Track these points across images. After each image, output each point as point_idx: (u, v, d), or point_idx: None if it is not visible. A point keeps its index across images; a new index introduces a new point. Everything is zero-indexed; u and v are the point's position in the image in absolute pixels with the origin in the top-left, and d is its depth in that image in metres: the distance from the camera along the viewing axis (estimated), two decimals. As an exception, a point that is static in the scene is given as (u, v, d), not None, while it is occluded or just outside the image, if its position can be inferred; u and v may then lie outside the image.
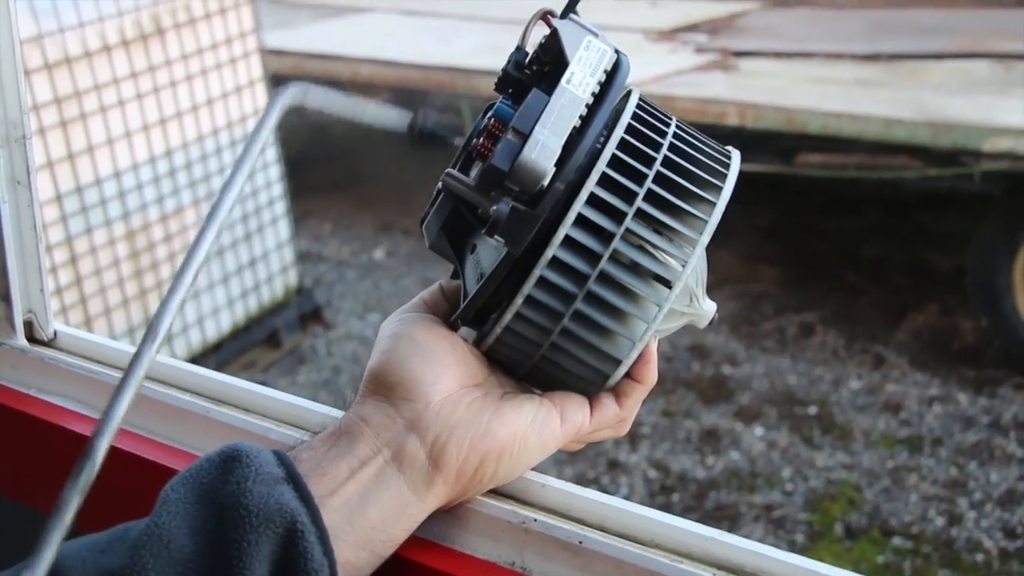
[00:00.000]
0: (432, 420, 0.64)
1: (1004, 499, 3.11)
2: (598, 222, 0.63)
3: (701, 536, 0.65)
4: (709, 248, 0.65)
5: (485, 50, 4.93)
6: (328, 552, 0.59)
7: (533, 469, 0.69)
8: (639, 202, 0.64)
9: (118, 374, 0.88)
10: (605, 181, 0.63)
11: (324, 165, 5.48)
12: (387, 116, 0.68)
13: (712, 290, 0.70)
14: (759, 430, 3.49)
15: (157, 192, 3.53)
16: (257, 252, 3.97)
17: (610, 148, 0.64)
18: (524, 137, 0.62)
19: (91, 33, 3.25)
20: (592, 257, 0.64)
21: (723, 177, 0.67)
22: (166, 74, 3.51)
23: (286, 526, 0.58)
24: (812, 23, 5.61)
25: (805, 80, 4.51)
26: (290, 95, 0.64)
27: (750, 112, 4.14)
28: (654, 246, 0.65)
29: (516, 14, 5.39)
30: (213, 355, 3.73)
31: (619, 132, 0.64)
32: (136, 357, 0.56)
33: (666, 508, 3.09)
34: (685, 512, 3.10)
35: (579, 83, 0.63)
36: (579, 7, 0.68)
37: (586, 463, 3.32)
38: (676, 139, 0.66)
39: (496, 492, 0.70)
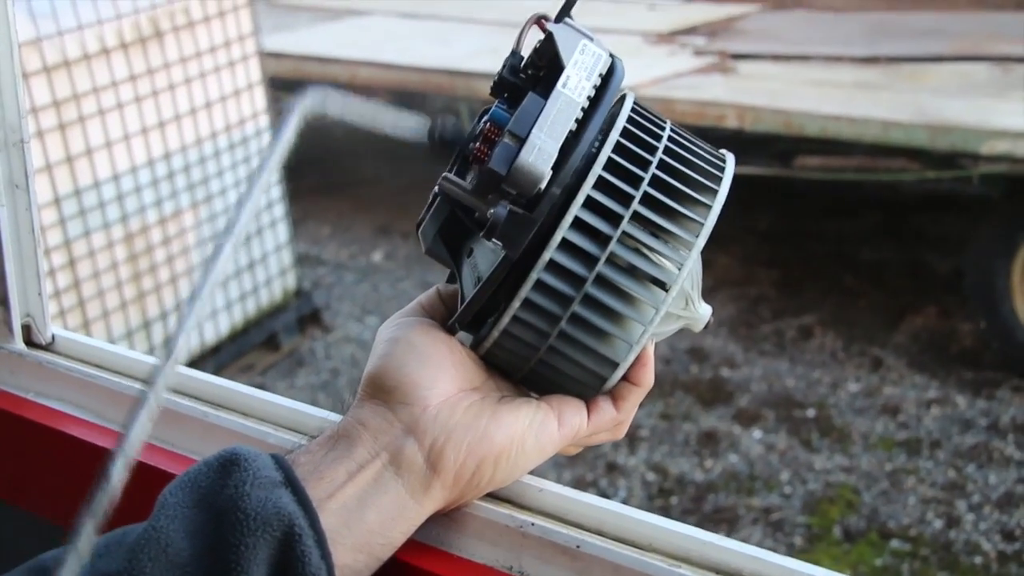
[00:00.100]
0: (430, 424, 0.65)
1: (1002, 501, 3.11)
2: (595, 225, 0.64)
3: (699, 540, 0.65)
4: (707, 251, 0.66)
5: (484, 53, 4.93)
6: (326, 556, 0.59)
7: (531, 472, 0.69)
8: (635, 205, 0.64)
9: (116, 378, 0.88)
10: (601, 184, 0.64)
11: (322, 168, 5.48)
12: (406, 124, 0.68)
13: (710, 293, 0.70)
14: (757, 433, 3.49)
15: (156, 195, 3.53)
16: (256, 255, 3.97)
17: (606, 152, 0.64)
18: (521, 141, 0.62)
19: (90, 36, 3.25)
20: (589, 260, 0.64)
21: (718, 180, 0.67)
22: (165, 77, 3.51)
23: (284, 530, 0.58)
24: (811, 26, 5.62)
25: (804, 83, 4.51)
26: (309, 102, 0.64)
27: (749, 115, 4.14)
28: (650, 249, 0.65)
29: (515, 17, 5.38)
30: (212, 358, 3.72)
31: (615, 136, 0.64)
32: (155, 374, 0.57)
33: (664, 511, 3.09)
34: (683, 515, 3.10)
35: (575, 87, 0.63)
36: (578, 9, 0.68)
37: (585, 466, 3.32)
38: (671, 142, 0.67)
39: (494, 496, 0.70)
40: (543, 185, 0.62)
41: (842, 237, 4.87)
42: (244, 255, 3.88)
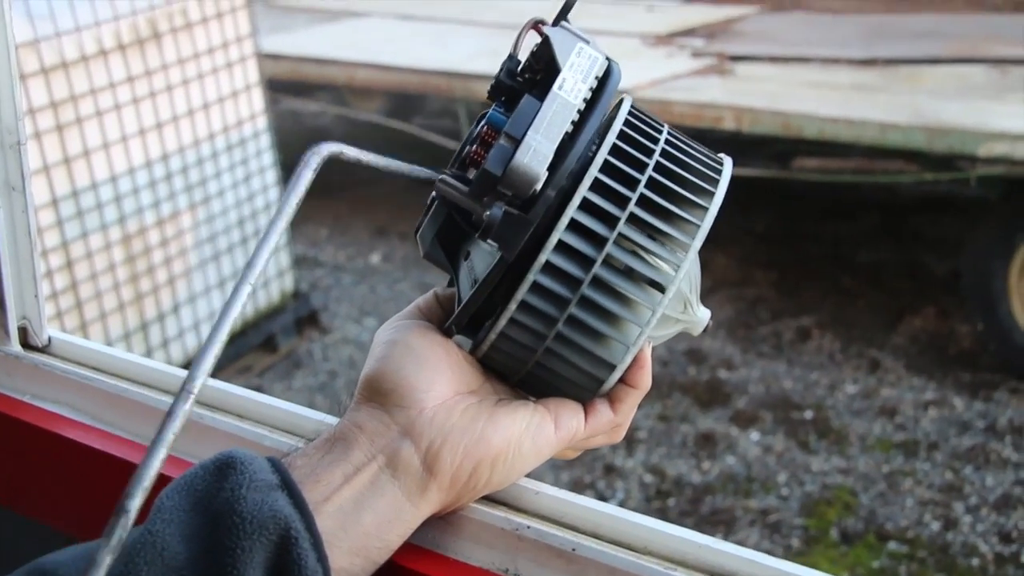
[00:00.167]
0: (426, 426, 0.65)
1: (1000, 503, 3.11)
2: (591, 227, 0.64)
3: (695, 543, 0.65)
4: (705, 253, 0.66)
5: (482, 54, 4.94)
6: (322, 559, 0.59)
7: (529, 474, 0.69)
8: (632, 207, 0.64)
9: (112, 380, 0.88)
10: (598, 186, 0.64)
11: (319, 169, 5.48)
12: (418, 172, 0.69)
13: (708, 294, 0.70)
14: (755, 435, 3.49)
15: (153, 196, 3.53)
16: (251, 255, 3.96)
17: (603, 153, 0.64)
18: (517, 142, 0.62)
19: (88, 38, 3.25)
20: (585, 262, 0.64)
21: (715, 183, 0.67)
22: (163, 78, 3.51)
23: (280, 533, 0.58)
24: (809, 28, 5.62)
25: (802, 85, 4.52)
26: (320, 155, 0.65)
27: (746, 116, 4.14)
28: (647, 251, 0.65)
29: (513, 19, 5.39)
30: (209, 359, 3.72)
31: (611, 138, 0.64)
32: (185, 387, 0.57)
33: (662, 513, 3.09)
34: (681, 517, 3.10)
35: (571, 89, 0.64)
36: (576, 11, 0.68)
37: (583, 468, 3.32)
38: (668, 145, 0.67)
39: (490, 499, 0.70)
40: (539, 186, 0.62)
41: (840, 239, 4.87)
42: (242, 257, 3.88)
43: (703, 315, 0.70)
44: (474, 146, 0.65)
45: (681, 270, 0.65)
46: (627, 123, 0.66)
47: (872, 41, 5.11)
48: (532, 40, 0.67)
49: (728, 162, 0.69)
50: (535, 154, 0.62)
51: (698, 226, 0.65)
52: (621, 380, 0.68)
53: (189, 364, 0.61)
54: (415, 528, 0.65)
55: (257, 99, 3.93)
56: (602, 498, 3.13)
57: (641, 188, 0.64)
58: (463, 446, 0.64)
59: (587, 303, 0.64)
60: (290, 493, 0.60)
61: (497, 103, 0.67)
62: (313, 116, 6.39)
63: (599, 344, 0.66)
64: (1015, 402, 3.59)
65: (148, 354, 3.52)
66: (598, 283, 0.64)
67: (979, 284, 3.81)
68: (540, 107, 0.63)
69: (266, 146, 3.99)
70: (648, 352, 0.68)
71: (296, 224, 4.54)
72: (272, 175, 4.01)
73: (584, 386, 0.68)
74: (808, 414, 3.59)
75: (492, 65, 0.68)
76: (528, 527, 0.68)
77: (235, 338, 3.88)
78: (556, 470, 3.29)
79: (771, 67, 4.79)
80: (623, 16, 5.75)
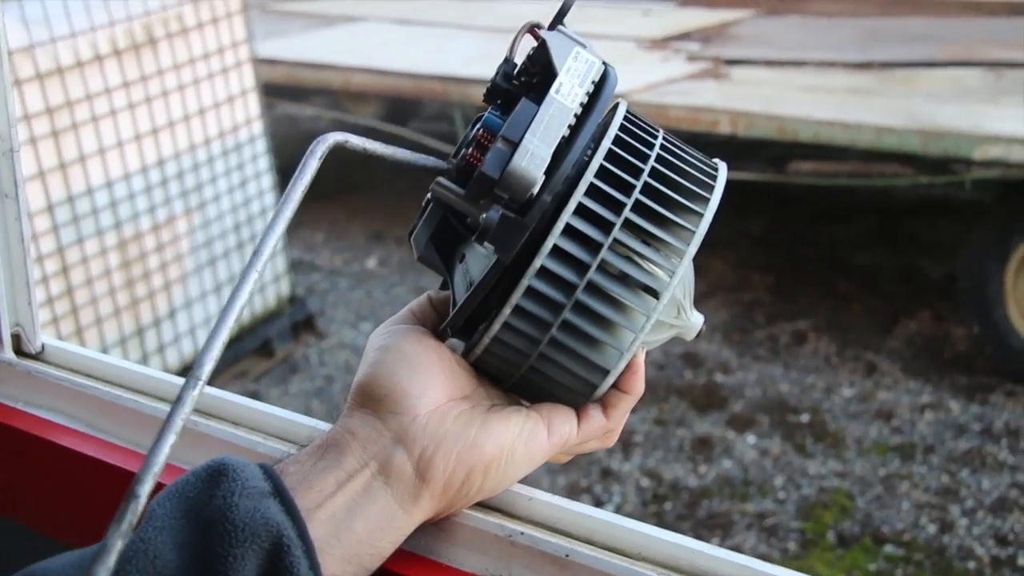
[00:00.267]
0: (419, 433, 0.64)
1: (996, 506, 3.11)
2: (586, 232, 0.64)
3: (688, 549, 0.65)
4: (701, 257, 0.66)
5: (478, 59, 4.94)
6: (314, 566, 0.59)
7: (524, 479, 0.69)
8: (627, 212, 0.64)
9: (106, 387, 0.88)
10: (593, 191, 0.64)
11: (316, 174, 5.48)
12: (423, 161, 0.69)
13: (704, 298, 0.70)
14: (751, 438, 3.49)
15: (149, 202, 3.52)
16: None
17: (598, 159, 0.64)
18: (514, 145, 0.62)
19: (83, 43, 3.25)
20: (580, 267, 0.64)
21: (710, 188, 0.67)
22: (158, 84, 3.51)
23: (272, 540, 0.58)
24: (804, 31, 5.63)
25: (797, 88, 4.52)
26: (326, 144, 0.65)
27: (742, 120, 4.15)
28: (641, 256, 0.65)
29: (509, 23, 5.40)
30: (205, 364, 3.71)
31: (607, 143, 0.64)
32: (179, 398, 0.57)
33: (658, 517, 3.09)
34: (677, 521, 3.10)
35: (567, 93, 0.64)
36: (572, 15, 0.68)
37: (579, 472, 3.32)
38: (664, 151, 0.67)
39: (483, 505, 0.70)
40: (535, 190, 0.62)
41: (836, 242, 4.87)
42: (238, 262, 3.88)
43: (696, 320, 0.70)
44: (470, 149, 0.65)
45: (676, 276, 0.65)
46: (623, 128, 0.66)
47: (867, 44, 5.12)
48: (528, 44, 0.67)
49: (723, 168, 0.69)
50: (532, 158, 0.62)
51: (693, 232, 0.65)
52: (614, 385, 0.68)
53: (185, 370, 0.61)
54: (408, 535, 0.65)
55: (253, 104, 3.93)
56: (598, 502, 3.13)
57: (636, 194, 0.64)
58: (456, 452, 0.64)
59: (581, 308, 0.64)
60: (282, 500, 0.60)
61: (493, 107, 0.67)
62: (309, 121, 6.39)
63: (593, 349, 0.66)
64: (1011, 405, 3.60)
65: (144, 359, 3.51)
66: (593, 288, 0.64)
67: (975, 287, 3.82)
68: (537, 111, 0.63)
69: (262, 151, 3.99)
70: (642, 358, 0.68)
71: (292, 228, 4.53)
72: (268, 180, 4.01)
73: (577, 391, 0.68)
74: (804, 417, 3.59)
75: (488, 69, 0.68)
76: (521, 533, 0.68)
77: (231, 343, 3.86)
78: (552, 474, 3.29)
79: (767, 71, 4.79)
80: (619, 20, 5.76)
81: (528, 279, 0.64)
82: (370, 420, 0.66)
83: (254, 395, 3.75)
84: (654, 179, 0.65)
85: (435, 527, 0.69)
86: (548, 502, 0.70)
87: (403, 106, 5.73)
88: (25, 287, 0.92)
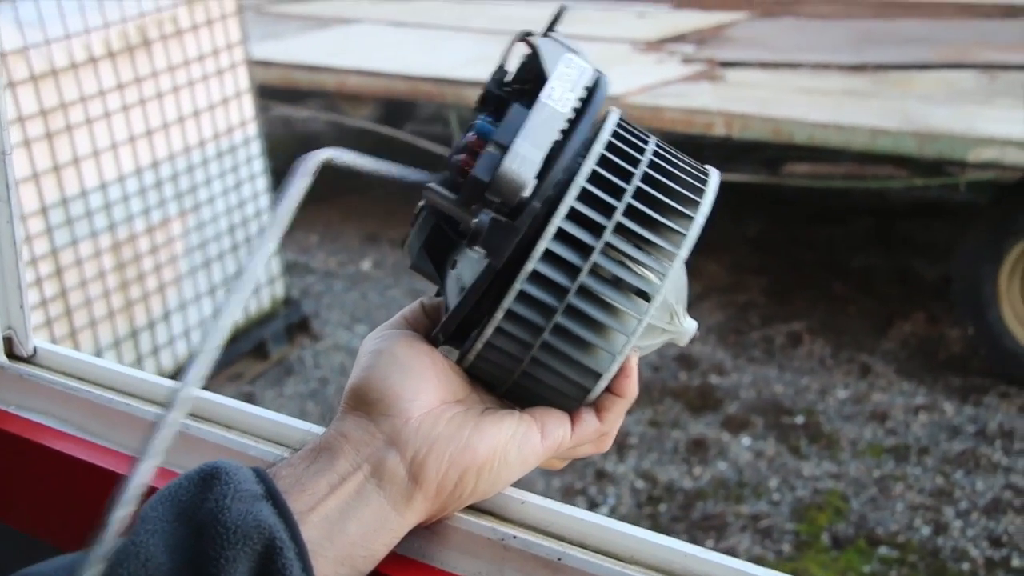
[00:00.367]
0: (412, 435, 0.64)
1: (990, 508, 3.12)
2: (578, 236, 0.64)
3: (680, 552, 0.65)
4: (696, 259, 0.66)
5: (473, 61, 4.94)
6: (307, 568, 0.59)
7: (518, 482, 0.69)
8: (618, 216, 0.64)
9: (98, 391, 0.88)
10: (585, 196, 0.64)
11: (313, 177, 5.47)
12: (412, 176, 0.69)
13: (699, 300, 0.71)
14: (746, 440, 3.49)
15: (143, 204, 3.52)
16: (244, 263, 3.96)
17: (590, 163, 0.64)
18: (504, 149, 0.62)
19: (77, 45, 3.24)
20: (572, 271, 0.64)
21: (701, 193, 0.67)
22: (153, 86, 3.51)
23: (264, 543, 0.58)
24: (799, 33, 5.64)
25: (792, 90, 4.53)
26: (316, 160, 0.65)
27: (737, 122, 4.15)
28: (633, 260, 0.65)
29: (503, 25, 5.41)
30: (200, 367, 3.71)
31: (598, 148, 0.65)
32: (172, 399, 0.57)
33: (653, 519, 3.09)
34: (672, 522, 3.10)
35: (559, 98, 0.64)
36: (567, 16, 0.68)
37: (574, 474, 3.32)
38: (655, 156, 0.67)
39: (475, 508, 0.70)
40: (527, 193, 0.62)
41: (831, 244, 4.88)
42: (232, 263, 3.88)
43: (689, 326, 0.71)
44: (462, 155, 0.65)
45: (667, 278, 0.65)
46: (614, 134, 0.66)
47: (862, 47, 5.13)
48: (521, 51, 0.67)
49: (714, 173, 0.70)
50: (523, 161, 0.62)
51: (684, 235, 0.65)
52: (607, 389, 0.68)
53: (179, 373, 0.61)
54: (401, 537, 0.65)
55: (248, 106, 3.93)
56: (593, 504, 3.13)
57: (628, 198, 0.64)
58: (448, 455, 0.64)
59: (573, 312, 0.65)
60: (275, 503, 0.60)
61: (485, 113, 0.67)
62: (304, 123, 6.39)
63: (585, 353, 0.66)
64: (1005, 406, 3.60)
65: (138, 362, 3.51)
66: (585, 292, 0.64)
67: (969, 289, 3.82)
68: (528, 115, 0.63)
69: (256, 153, 3.99)
70: (634, 361, 0.69)
71: (286, 231, 4.53)
72: (263, 182, 4.01)
73: (570, 395, 0.68)
74: (799, 419, 3.59)
75: (483, 71, 0.68)
76: (514, 537, 0.68)
77: (226, 345, 3.87)
78: (547, 476, 3.29)
79: (761, 73, 4.80)
80: (614, 22, 5.76)
81: (520, 283, 0.64)
82: (363, 423, 0.66)
83: (249, 397, 3.75)
84: (645, 184, 0.65)
85: (428, 530, 0.69)
86: (541, 505, 0.70)
87: (398, 108, 5.73)
88: (17, 290, 0.92)
